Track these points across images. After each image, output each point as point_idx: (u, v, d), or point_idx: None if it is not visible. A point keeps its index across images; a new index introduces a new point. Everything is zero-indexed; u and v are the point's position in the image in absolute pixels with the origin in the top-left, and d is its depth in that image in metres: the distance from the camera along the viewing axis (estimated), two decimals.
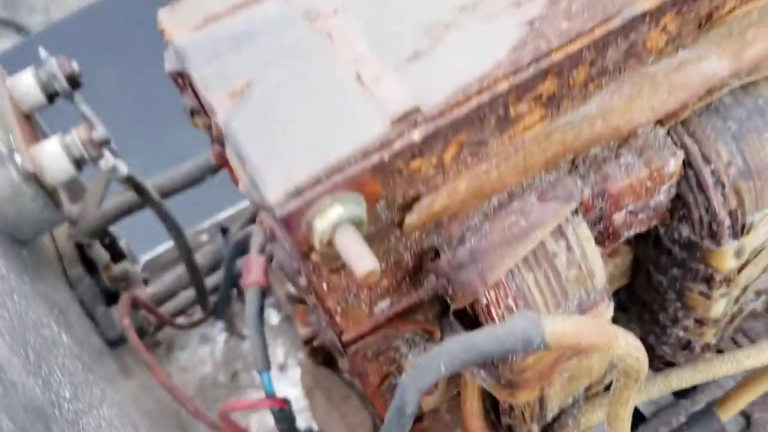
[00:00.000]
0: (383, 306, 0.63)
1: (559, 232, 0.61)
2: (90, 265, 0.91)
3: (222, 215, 1.25)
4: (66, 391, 0.68)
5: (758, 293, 0.83)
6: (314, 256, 0.54)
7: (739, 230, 0.66)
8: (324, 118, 0.52)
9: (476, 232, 0.60)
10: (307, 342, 1.10)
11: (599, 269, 0.64)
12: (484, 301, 0.60)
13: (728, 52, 0.58)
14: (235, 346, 1.18)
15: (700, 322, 0.77)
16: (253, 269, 0.85)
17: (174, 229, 0.90)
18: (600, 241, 0.67)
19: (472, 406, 0.74)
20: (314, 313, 0.64)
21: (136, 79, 1.72)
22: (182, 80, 0.62)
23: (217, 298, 1.11)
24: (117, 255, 1.00)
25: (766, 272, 0.78)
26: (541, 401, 0.72)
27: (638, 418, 1.05)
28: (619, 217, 0.64)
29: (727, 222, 0.65)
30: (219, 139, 0.67)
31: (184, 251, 0.94)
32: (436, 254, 0.62)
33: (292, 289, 1.19)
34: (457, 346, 0.55)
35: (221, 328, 1.20)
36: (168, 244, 1.26)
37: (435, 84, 0.52)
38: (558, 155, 0.57)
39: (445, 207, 0.56)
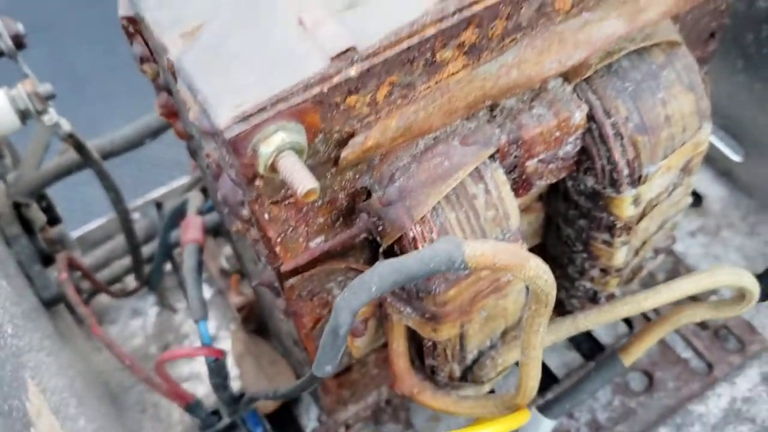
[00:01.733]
0: (318, 241, 0.68)
1: (479, 175, 0.68)
2: (27, 226, 0.93)
3: (154, 194, 1.28)
4: (8, 327, 0.70)
5: (656, 251, 0.92)
6: (258, 182, 0.59)
7: (636, 179, 0.74)
8: (269, 56, 0.58)
9: (405, 172, 0.66)
10: (240, 309, 1.14)
11: (514, 212, 0.71)
12: (411, 235, 0.66)
13: (624, 15, 0.66)
14: (167, 320, 1.21)
15: (604, 271, 0.85)
16: (190, 228, 0.89)
17: (112, 189, 0.93)
18: (514, 189, 0.74)
19: (398, 346, 0.80)
20: (254, 249, 0.69)
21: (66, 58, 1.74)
22: (133, 27, 0.66)
23: (151, 268, 1.13)
24: (53, 219, 1.01)
25: (662, 230, 0.87)
26: (462, 340, 0.79)
27: (551, 378, 1.13)
28: (531, 165, 0.72)
29: (626, 171, 0.73)
30: (166, 87, 0.71)
31: (122, 213, 0.96)
32: (368, 195, 0.68)
33: (224, 264, 1.23)
34: (388, 268, 0.61)
35: (153, 302, 1.22)
36: (97, 223, 1.28)
37: (369, 28, 0.58)
38: (478, 100, 0.64)
39: (377, 144, 0.62)
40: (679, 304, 0.85)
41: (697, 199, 1.27)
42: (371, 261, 0.75)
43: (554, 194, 0.84)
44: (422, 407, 1.09)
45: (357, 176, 0.66)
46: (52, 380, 0.76)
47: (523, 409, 0.79)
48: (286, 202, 0.63)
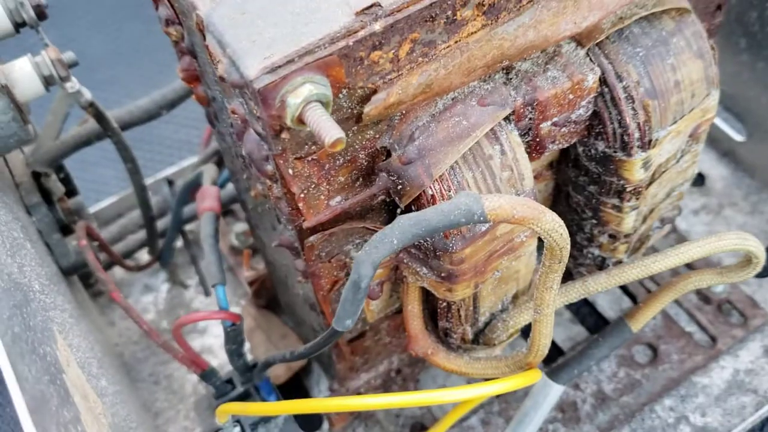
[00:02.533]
0: (338, 199, 0.70)
1: (495, 137, 0.70)
2: (46, 196, 0.95)
3: (165, 172, 1.30)
4: (35, 284, 0.72)
5: (662, 221, 0.94)
6: (284, 135, 0.61)
7: (647, 143, 0.76)
8: (295, 12, 0.60)
9: (424, 131, 0.67)
10: (252, 283, 1.16)
11: (528, 173, 0.72)
12: (430, 192, 0.68)
13: None
14: (178, 295, 1.23)
15: (613, 237, 0.87)
16: (207, 197, 0.91)
17: (129, 160, 0.95)
18: (528, 152, 0.76)
19: (414, 308, 0.82)
20: (276, 207, 0.71)
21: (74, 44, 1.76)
22: None
23: (164, 243, 1.15)
24: (70, 191, 1.03)
25: (669, 198, 0.89)
26: (475, 302, 0.81)
27: (557, 351, 1.15)
28: (545, 127, 0.74)
29: (637, 134, 0.75)
30: (190, 50, 0.73)
31: (139, 184, 0.98)
32: (388, 155, 0.70)
33: (234, 242, 1.25)
34: (409, 221, 0.63)
35: (164, 279, 1.24)
36: (110, 201, 1.29)
37: None
38: (496, 60, 0.66)
39: (398, 100, 0.64)
40: (685, 272, 0.88)
41: (700, 178, 1.29)
42: (388, 223, 0.77)
43: (564, 162, 0.86)
44: (431, 379, 1.12)
45: (377, 135, 0.68)
46: (76, 339, 0.77)
47: (534, 368, 0.81)
48: (310, 158, 0.65)
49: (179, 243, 1.25)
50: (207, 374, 0.94)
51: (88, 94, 0.84)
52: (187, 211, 1.18)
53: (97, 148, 1.06)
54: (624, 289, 1.18)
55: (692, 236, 1.22)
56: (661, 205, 0.89)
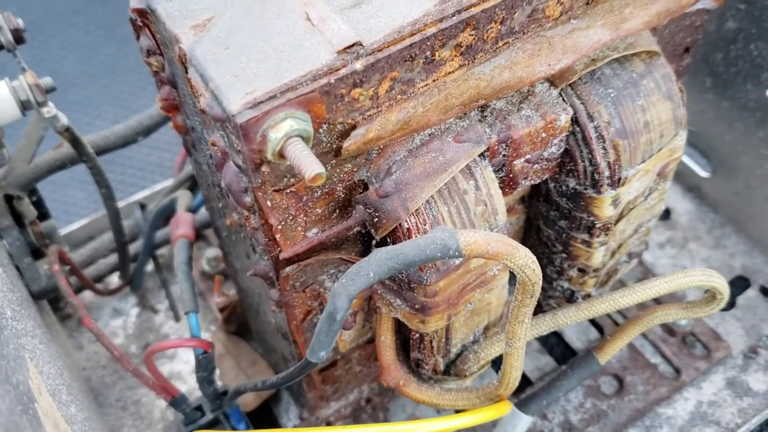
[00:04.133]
0: (315, 231, 0.71)
1: (470, 173, 0.72)
2: (17, 219, 0.94)
3: (137, 196, 1.29)
4: (7, 310, 0.71)
5: (630, 255, 0.96)
6: (264, 169, 0.62)
7: (616, 181, 0.78)
8: (278, 48, 0.61)
9: (401, 166, 0.69)
10: (223, 309, 1.16)
11: (501, 208, 0.74)
12: (406, 226, 0.69)
13: (609, 24, 0.71)
14: (147, 320, 1.22)
15: (582, 271, 0.89)
16: (181, 224, 0.91)
17: (104, 185, 0.94)
18: (501, 187, 0.77)
19: (386, 339, 0.83)
20: (252, 238, 0.71)
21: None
22: (142, 20, 0.69)
23: (135, 267, 1.15)
24: (42, 215, 1.02)
25: (637, 233, 0.92)
26: (447, 333, 0.82)
27: (525, 381, 1.16)
28: (518, 164, 0.75)
29: (607, 172, 0.77)
30: (170, 80, 0.74)
31: (112, 209, 0.98)
32: (365, 188, 0.71)
33: (205, 267, 1.24)
34: (385, 255, 0.64)
35: (134, 303, 1.23)
36: (80, 223, 1.28)
37: (373, 26, 0.62)
38: (472, 98, 0.67)
39: (377, 136, 0.65)
40: (651, 306, 0.90)
41: (666, 212, 1.32)
42: (363, 254, 0.78)
43: (536, 197, 0.88)
44: (401, 409, 1.13)
45: (355, 169, 0.69)
46: (46, 366, 0.77)
47: (504, 400, 0.82)
48: (288, 190, 0.66)
49: (149, 267, 1.24)
50: (177, 401, 0.94)
51: (64, 119, 0.84)
52: (158, 236, 1.17)
53: (68, 170, 1.06)
54: (591, 320, 1.20)
55: (658, 269, 1.25)
56: (629, 241, 0.91)
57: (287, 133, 0.58)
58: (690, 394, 1.12)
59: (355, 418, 1.05)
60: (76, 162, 0.93)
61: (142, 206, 1.18)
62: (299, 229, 0.70)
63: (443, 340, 0.82)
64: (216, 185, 0.79)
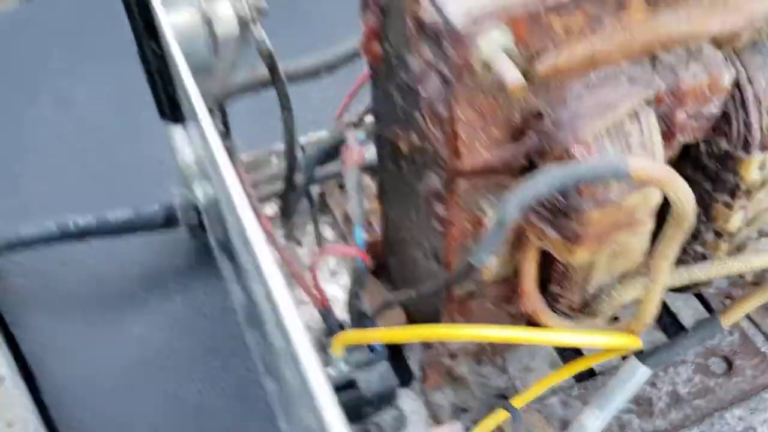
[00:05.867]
0: (491, 151, 0.80)
1: (636, 117, 0.79)
2: None
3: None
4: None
5: (760, 233, 1.01)
6: (467, 80, 0.71)
7: (767, 145, 0.84)
8: None
9: (577, 99, 0.77)
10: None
11: (660, 156, 0.81)
12: (574, 155, 0.77)
13: None
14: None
15: (718, 235, 0.95)
16: (354, 153, 1.02)
17: (287, 108, 1.05)
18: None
19: (530, 269, 0.91)
20: (435, 151, 0.81)
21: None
22: None
23: (291, 198, 1.25)
24: (226, 133, 1.14)
25: None
26: (589, 270, 0.89)
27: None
28: (680, 116, 0.83)
29: (758, 136, 0.84)
30: (381, 6, 0.84)
31: (290, 134, 1.09)
32: (539, 116, 0.79)
33: (349, 210, 1.35)
34: (558, 168, 0.73)
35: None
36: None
37: None
38: (652, 45, 0.75)
39: (566, 66, 0.74)
40: None
41: None
42: None
43: (682, 161, 0.94)
44: (517, 360, 1.20)
45: (533, 98, 0.78)
46: None
47: (636, 336, 0.88)
48: (478, 107, 0.75)
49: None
50: (324, 311, 1.04)
51: (269, 43, 0.95)
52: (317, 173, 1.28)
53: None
54: (705, 305, 1.25)
55: None
56: (764, 216, 0.96)
57: (496, 45, 0.67)
58: None
59: (477, 357, 1.13)
60: (267, 85, 1.05)
61: (302, 149, 1.29)
62: (478, 146, 0.79)
63: (584, 277, 0.90)
64: (402, 110, 0.88)
